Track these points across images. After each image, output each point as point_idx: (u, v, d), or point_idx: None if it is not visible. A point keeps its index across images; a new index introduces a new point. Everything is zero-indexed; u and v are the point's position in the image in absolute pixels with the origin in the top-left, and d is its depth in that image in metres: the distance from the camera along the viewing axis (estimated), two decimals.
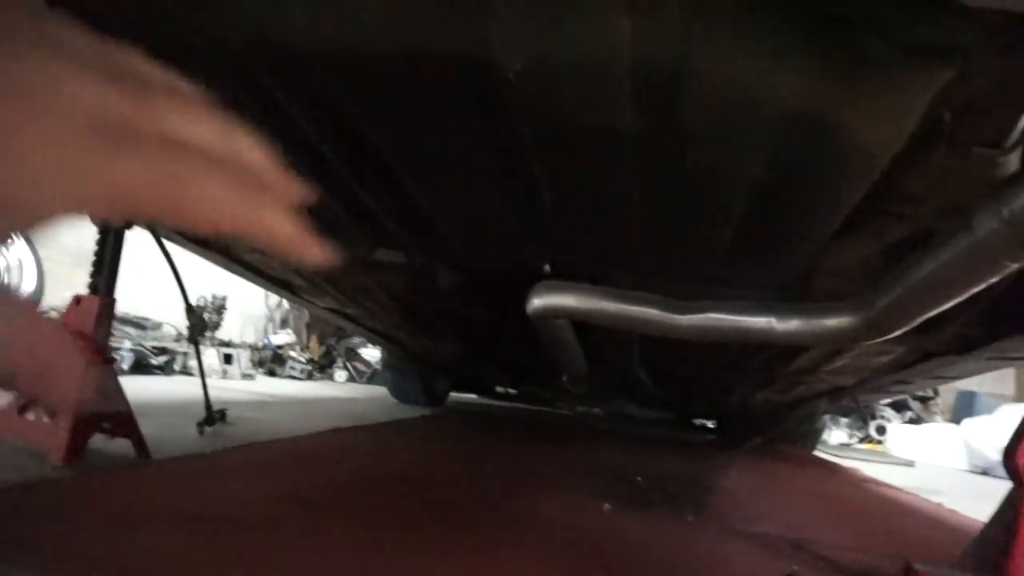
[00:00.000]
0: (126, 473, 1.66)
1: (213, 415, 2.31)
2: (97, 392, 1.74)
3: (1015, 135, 1.11)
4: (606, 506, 1.93)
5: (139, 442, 1.83)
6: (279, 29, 0.99)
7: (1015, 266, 1.09)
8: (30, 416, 1.73)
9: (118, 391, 1.82)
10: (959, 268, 1.16)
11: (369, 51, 0.98)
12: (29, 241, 3.91)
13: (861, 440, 6.82)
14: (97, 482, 1.54)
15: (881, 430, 6.75)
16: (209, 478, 1.75)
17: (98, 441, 1.76)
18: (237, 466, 1.94)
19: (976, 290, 1.23)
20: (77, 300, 1.83)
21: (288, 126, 1.28)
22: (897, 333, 1.52)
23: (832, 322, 1.61)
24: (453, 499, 1.88)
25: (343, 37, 0.98)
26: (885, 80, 0.86)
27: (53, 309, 4.03)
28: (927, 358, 2.14)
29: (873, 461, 5.43)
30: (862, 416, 6.97)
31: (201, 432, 2.26)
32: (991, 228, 1.04)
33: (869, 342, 1.62)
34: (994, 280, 1.18)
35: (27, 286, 3.73)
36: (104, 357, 1.80)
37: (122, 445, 1.82)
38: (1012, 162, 1.16)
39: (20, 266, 3.78)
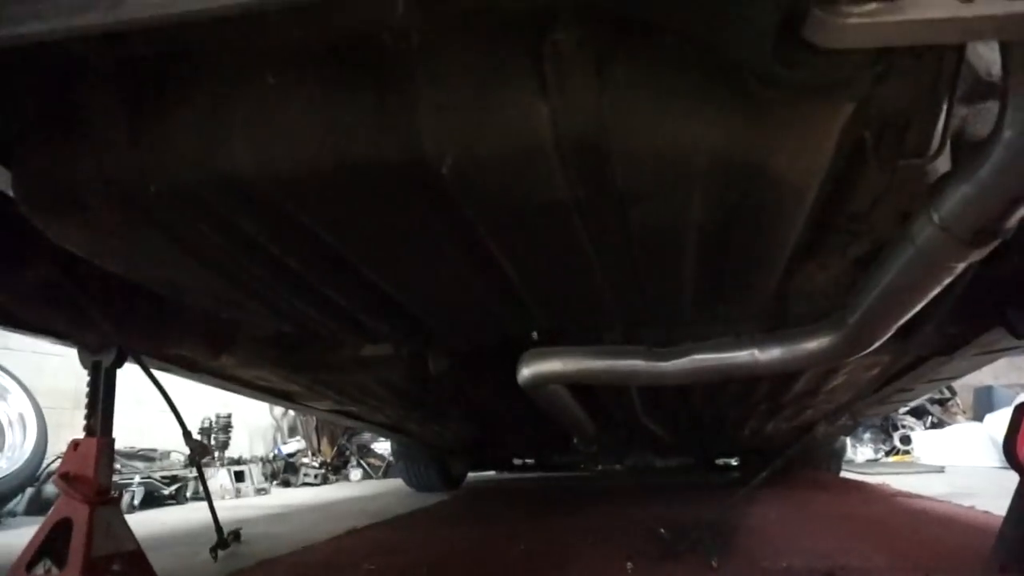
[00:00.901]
0: None
1: (225, 538, 2.29)
2: (105, 534, 1.73)
3: (935, 143, 1.16)
4: (629, 565, 1.91)
5: None
6: (226, 162, 1.06)
7: (960, 265, 1.13)
8: (39, 571, 1.72)
9: (125, 530, 1.81)
10: (910, 276, 1.19)
11: (312, 169, 1.04)
12: (28, 392, 3.93)
13: (888, 453, 6.71)
14: None
15: (906, 440, 6.65)
16: None
17: None
18: None
19: (935, 292, 1.27)
20: (75, 445, 1.84)
21: (251, 246, 1.33)
22: (876, 345, 1.54)
23: (812, 344, 1.64)
24: None
25: (286, 160, 1.04)
26: (789, 119, 0.92)
27: (58, 457, 4.02)
28: (917, 363, 2.15)
29: (902, 473, 5.34)
30: (885, 430, 6.89)
31: (215, 557, 2.23)
32: (927, 234, 1.08)
33: (852, 357, 1.64)
34: (948, 280, 1.21)
35: (30, 438, 3.72)
36: (107, 499, 1.79)
37: None
38: (941, 167, 1.21)
39: (21, 419, 3.79)
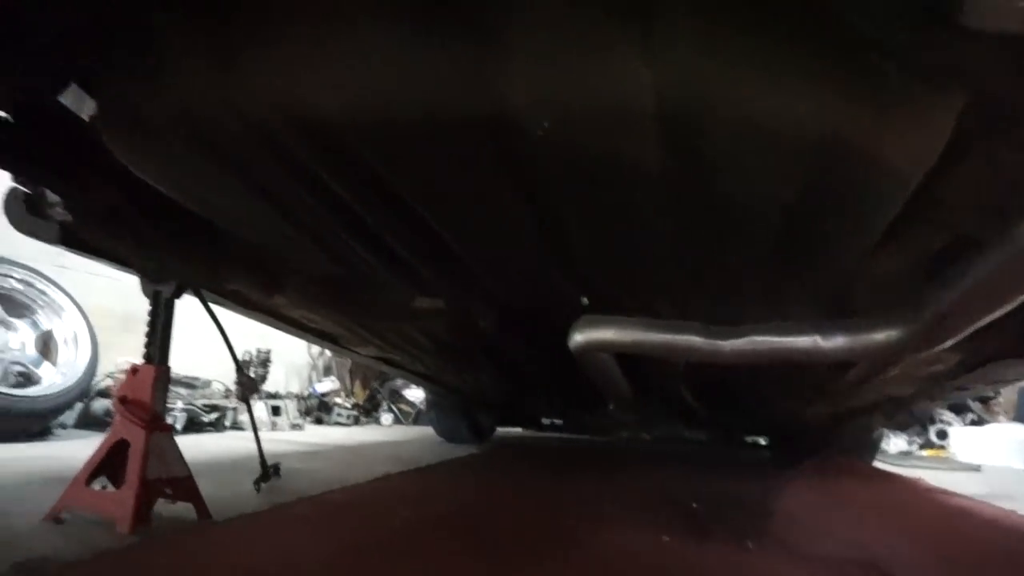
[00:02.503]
0: (191, 537, 1.69)
1: (268, 471, 2.35)
2: (158, 459, 1.79)
3: None
4: (665, 539, 1.91)
5: (200, 505, 1.87)
6: (306, 98, 1.04)
7: None
8: (96, 486, 1.79)
9: (177, 456, 1.87)
10: (1005, 277, 1.14)
11: (392, 114, 1.02)
12: (82, 311, 4.06)
13: (922, 447, 6.59)
14: (165, 548, 1.58)
15: (942, 435, 6.52)
16: (271, 535, 1.78)
17: (160, 506, 1.81)
18: (297, 520, 1.97)
19: None
20: (134, 370, 1.90)
21: (320, 187, 1.33)
22: (948, 344, 1.49)
23: (880, 336, 1.58)
24: (509, 541, 1.88)
25: (370, 106, 1.02)
26: (908, 102, 0.86)
27: (108, 375, 4.17)
28: (984, 363, 2.08)
29: (937, 468, 5.24)
30: (921, 422, 6.75)
31: (258, 489, 2.29)
32: None
33: (920, 354, 1.59)
34: None
35: (83, 355, 3.85)
36: (162, 425, 1.85)
37: (184, 508, 1.86)
38: None
39: (75, 337, 3.91)
